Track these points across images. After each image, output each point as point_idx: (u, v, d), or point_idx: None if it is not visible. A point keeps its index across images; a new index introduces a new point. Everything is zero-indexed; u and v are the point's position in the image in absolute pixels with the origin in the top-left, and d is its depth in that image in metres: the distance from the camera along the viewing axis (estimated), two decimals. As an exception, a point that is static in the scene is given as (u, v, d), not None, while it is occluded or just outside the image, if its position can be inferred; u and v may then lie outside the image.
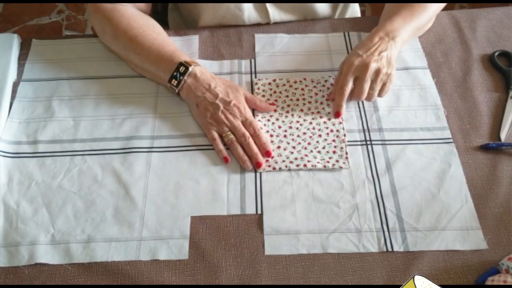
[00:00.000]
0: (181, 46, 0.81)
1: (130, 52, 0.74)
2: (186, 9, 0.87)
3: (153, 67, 0.73)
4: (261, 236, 0.61)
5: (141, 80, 0.77)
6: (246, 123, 0.69)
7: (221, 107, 0.68)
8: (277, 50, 0.81)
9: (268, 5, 0.82)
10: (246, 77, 0.78)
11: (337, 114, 0.71)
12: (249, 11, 0.82)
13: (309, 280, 0.58)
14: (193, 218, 0.63)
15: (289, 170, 0.66)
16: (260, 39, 0.83)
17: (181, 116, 0.73)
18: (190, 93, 0.70)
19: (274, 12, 0.83)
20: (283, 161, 0.67)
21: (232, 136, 0.68)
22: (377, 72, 0.69)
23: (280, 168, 0.66)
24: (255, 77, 0.77)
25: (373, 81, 0.69)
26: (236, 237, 0.61)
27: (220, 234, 0.62)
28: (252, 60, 0.80)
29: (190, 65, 0.70)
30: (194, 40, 0.83)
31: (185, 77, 0.69)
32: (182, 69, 0.70)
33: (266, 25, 0.85)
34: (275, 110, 0.73)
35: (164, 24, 0.97)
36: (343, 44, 0.81)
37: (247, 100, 0.71)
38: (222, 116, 0.68)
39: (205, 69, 0.72)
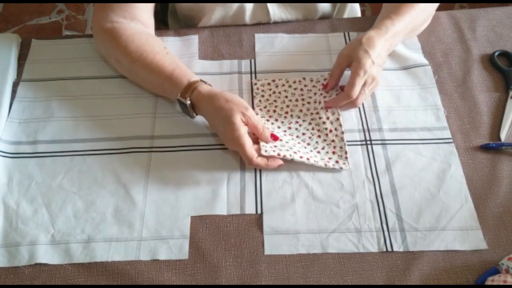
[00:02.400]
0: (181, 46, 0.81)
1: (134, 77, 0.75)
2: (187, 11, 0.86)
3: (159, 91, 0.73)
4: (261, 236, 0.61)
5: (141, 80, 0.77)
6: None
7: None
8: (277, 50, 0.81)
9: (269, 4, 0.82)
10: (246, 77, 0.78)
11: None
12: (250, 12, 0.82)
13: (309, 280, 0.58)
14: (193, 218, 0.63)
15: (292, 159, 0.65)
16: (260, 39, 0.83)
17: (181, 116, 0.73)
18: (204, 116, 0.69)
19: (275, 11, 0.83)
20: (288, 154, 0.66)
21: None
22: (373, 79, 0.69)
23: (284, 156, 0.65)
24: (255, 77, 0.77)
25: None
26: (236, 237, 0.61)
27: (220, 234, 0.62)
28: (252, 60, 0.80)
29: (186, 98, 0.66)
30: (194, 40, 0.82)
31: (191, 113, 0.69)
32: (186, 98, 0.67)
33: (266, 25, 0.85)
34: (275, 111, 0.73)
35: (164, 25, 0.97)
36: (343, 44, 0.81)
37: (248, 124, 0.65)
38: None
39: (203, 89, 0.67)
